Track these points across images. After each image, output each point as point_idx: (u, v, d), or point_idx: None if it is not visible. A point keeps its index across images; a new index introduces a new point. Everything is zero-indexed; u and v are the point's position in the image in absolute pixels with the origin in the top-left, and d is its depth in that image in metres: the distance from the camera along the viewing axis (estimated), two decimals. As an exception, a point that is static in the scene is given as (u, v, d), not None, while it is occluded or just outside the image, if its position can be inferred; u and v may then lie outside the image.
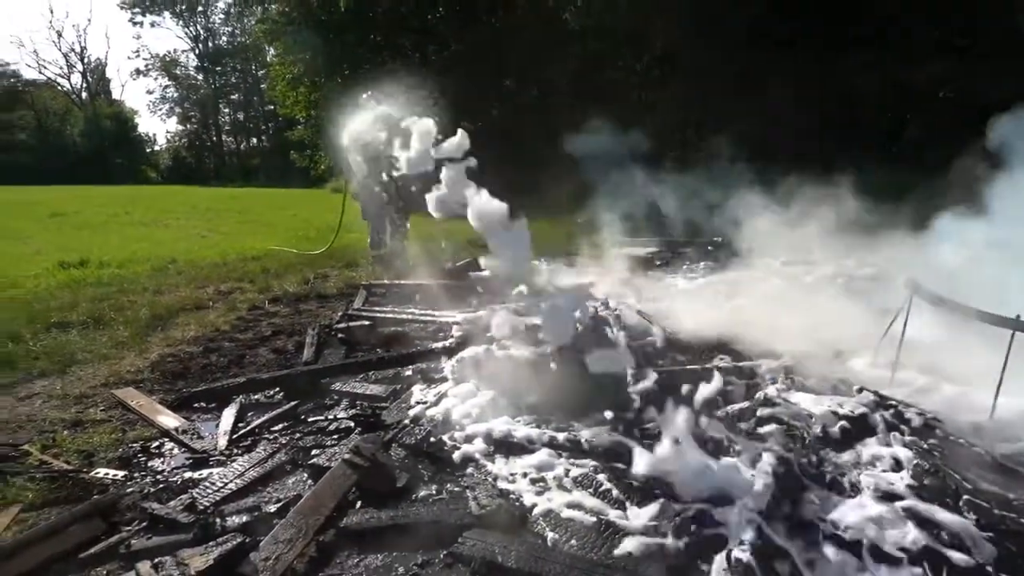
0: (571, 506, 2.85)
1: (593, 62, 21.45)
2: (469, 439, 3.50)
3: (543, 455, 3.31)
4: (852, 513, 2.66)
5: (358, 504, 2.93)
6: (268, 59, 48.14)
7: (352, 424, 3.89)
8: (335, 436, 3.75)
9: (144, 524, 2.81)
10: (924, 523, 2.58)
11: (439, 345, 5.05)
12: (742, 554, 2.37)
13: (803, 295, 5.62)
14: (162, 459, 3.53)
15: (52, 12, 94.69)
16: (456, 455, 3.32)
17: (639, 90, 22.74)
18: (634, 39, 20.42)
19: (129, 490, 3.14)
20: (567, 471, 3.16)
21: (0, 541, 2.67)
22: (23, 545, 2.52)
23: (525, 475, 3.15)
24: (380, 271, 8.69)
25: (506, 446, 3.45)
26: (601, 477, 3.09)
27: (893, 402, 3.60)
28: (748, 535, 2.46)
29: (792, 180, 7.60)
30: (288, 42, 26.69)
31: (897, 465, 3.06)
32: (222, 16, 61.37)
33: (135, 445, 3.65)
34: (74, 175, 45.24)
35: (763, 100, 15.65)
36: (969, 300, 3.61)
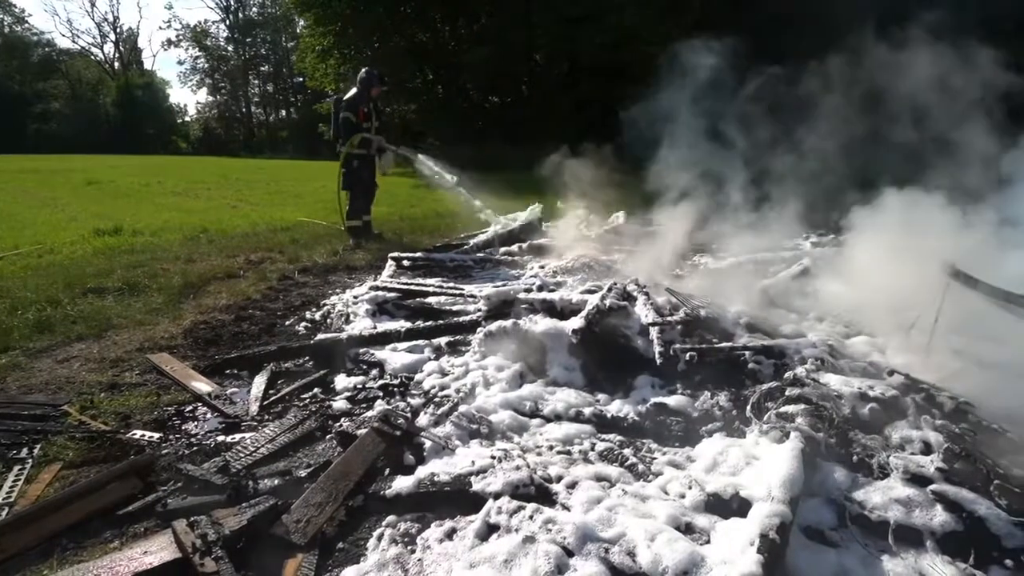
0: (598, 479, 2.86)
1: (627, 35, 21.12)
2: (495, 411, 3.52)
3: (569, 428, 3.33)
4: (878, 494, 2.63)
5: (386, 471, 2.97)
6: (298, 30, 48.32)
7: (380, 393, 3.94)
8: (364, 405, 3.80)
9: (179, 484, 2.87)
10: (953, 507, 2.54)
11: (467, 318, 5.06)
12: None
13: (833, 274, 5.51)
14: (195, 423, 3.60)
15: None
16: (482, 426, 3.34)
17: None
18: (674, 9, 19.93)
19: (164, 451, 3.22)
20: (593, 445, 3.19)
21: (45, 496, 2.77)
22: (67, 500, 2.60)
23: (551, 447, 3.17)
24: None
25: (531, 418, 3.49)
26: (627, 452, 3.11)
27: (924, 385, 3.53)
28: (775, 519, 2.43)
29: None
30: (318, 13, 26.66)
31: (927, 448, 3.00)
32: (253, -14, 61.52)
33: (169, 408, 3.74)
34: (107, 144, 45.93)
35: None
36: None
